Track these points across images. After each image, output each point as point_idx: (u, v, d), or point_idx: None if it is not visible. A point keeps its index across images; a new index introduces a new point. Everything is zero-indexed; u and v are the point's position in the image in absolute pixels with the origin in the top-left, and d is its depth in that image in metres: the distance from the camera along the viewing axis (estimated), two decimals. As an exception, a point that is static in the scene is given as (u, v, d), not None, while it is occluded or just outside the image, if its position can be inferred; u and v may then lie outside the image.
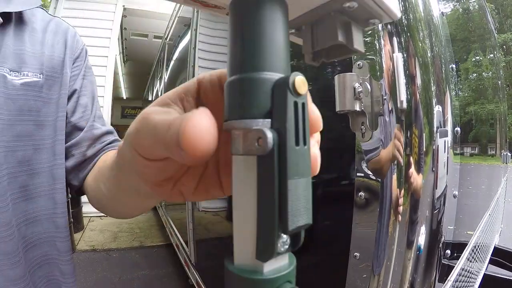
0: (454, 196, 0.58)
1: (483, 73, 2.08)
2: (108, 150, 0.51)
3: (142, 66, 8.06)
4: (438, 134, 0.50)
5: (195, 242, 1.80)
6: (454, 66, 0.56)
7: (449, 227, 0.60)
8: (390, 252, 0.49)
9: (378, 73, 0.45)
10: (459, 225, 0.93)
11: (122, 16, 5.18)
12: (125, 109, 12.36)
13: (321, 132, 0.18)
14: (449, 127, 0.53)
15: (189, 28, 2.05)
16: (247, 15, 0.15)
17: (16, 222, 0.43)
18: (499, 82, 2.53)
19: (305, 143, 0.14)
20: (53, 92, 0.49)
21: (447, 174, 0.53)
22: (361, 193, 0.50)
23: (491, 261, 1.96)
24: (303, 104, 0.14)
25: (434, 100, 0.50)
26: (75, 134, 0.51)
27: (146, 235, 4.04)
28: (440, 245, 0.55)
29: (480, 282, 1.41)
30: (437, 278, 0.56)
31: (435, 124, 0.51)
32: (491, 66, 2.35)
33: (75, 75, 0.53)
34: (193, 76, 1.70)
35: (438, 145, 0.50)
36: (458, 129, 0.56)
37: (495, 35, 2.75)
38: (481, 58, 2.03)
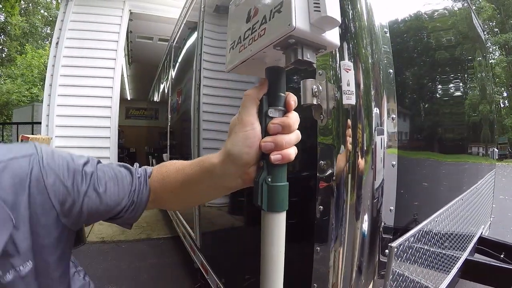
0: (393, 166, 0.76)
1: (475, 74, 2.25)
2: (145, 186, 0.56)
3: (146, 68, 8.20)
4: (376, 132, 0.70)
5: (200, 227, 1.99)
6: (391, 70, 0.75)
7: (391, 208, 0.79)
8: (344, 217, 0.70)
9: (333, 78, 0.66)
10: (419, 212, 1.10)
11: (128, 20, 5.37)
12: (130, 110, 12.55)
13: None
14: (385, 124, 0.73)
15: (195, 32, 2.18)
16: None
17: None
18: (490, 84, 2.72)
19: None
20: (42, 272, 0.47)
21: (383, 159, 0.72)
22: (322, 161, 0.70)
23: (478, 250, 2.13)
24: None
25: (373, 103, 0.71)
26: (116, 209, 0.53)
27: (153, 229, 4.22)
28: (381, 222, 0.75)
29: (460, 266, 1.59)
30: (380, 248, 0.75)
31: (374, 119, 0.71)
32: (481, 67, 2.52)
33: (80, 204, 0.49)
34: (199, 79, 1.87)
35: (376, 140, 0.70)
36: (395, 117, 0.75)
37: (483, 38, 2.92)
38: (473, 61, 2.20)
